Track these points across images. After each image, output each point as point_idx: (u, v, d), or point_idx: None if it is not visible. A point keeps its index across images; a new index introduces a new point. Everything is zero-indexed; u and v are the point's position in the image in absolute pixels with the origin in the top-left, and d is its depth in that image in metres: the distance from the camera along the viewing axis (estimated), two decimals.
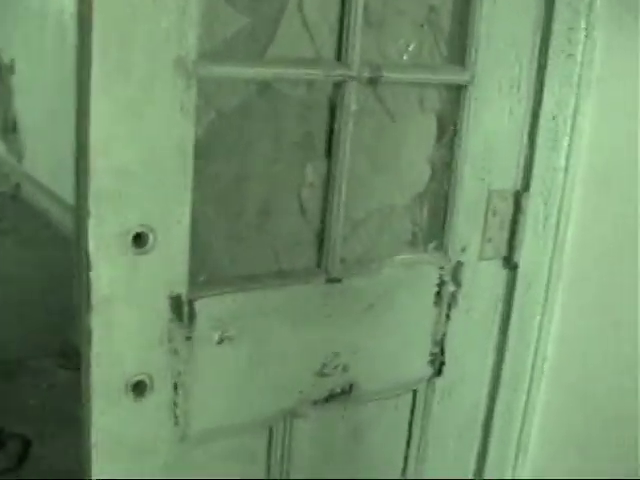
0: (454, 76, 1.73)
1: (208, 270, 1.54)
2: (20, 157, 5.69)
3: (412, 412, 1.93)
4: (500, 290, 1.95)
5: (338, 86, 1.57)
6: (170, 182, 1.41)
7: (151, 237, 1.41)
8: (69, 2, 4.90)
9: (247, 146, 1.55)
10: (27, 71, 5.57)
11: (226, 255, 1.58)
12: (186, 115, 1.39)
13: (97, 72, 1.32)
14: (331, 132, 1.60)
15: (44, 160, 5.35)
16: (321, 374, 1.70)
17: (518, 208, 1.88)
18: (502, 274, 1.94)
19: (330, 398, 1.73)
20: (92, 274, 1.39)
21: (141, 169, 1.37)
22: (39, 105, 5.36)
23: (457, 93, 1.74)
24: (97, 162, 1.34)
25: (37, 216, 5.22)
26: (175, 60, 1.36)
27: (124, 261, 1.40)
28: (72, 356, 3.67)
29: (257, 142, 1.56)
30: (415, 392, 1.91)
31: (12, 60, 5.72)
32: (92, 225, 1.36)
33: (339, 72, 1.55)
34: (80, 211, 1.38)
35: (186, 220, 1.45)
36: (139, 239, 1.41)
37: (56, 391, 3.45)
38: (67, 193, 4.98)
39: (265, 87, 1.52)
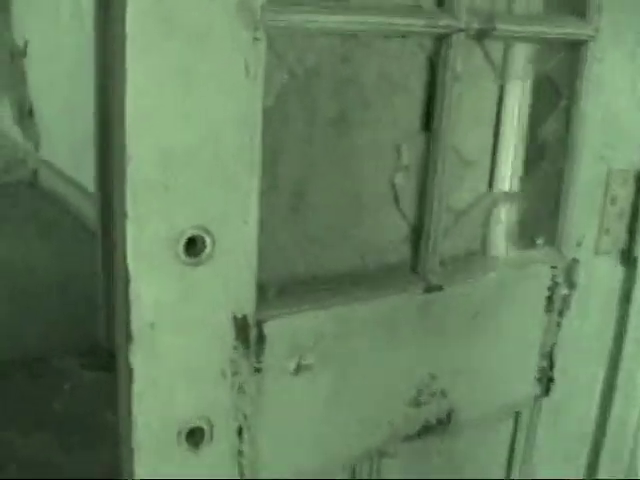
0: (574, 29, 1.33)
1: (280, 282, 1.15)
2: (37, 143, 5.30)
3: (514, 436, 1.54)
4: (616, 289, 1.56)
5: (441, 40, 1.18)
6: (233, 167, 1.02)
7: (208, 242, 1.03)
8: None
9: (325, 120, 1.16)
10: (42, 53, 5.16)
11: (301, 261, 1.19)
12: (253, 78, 1.00)
13: (133, 22, 0.92)
14: (430, 99, 1.20)
15: (62, 145, 4.96)
16: (415, 403, 1.31)
17: None
18: (619, 271, 1.54)
19: (424, 431, 1.35)
20: (132, 293, 1.00)
21: (194, 152, 0.98)
22: (55, 88, 4.96)
23: (575, 51, 1.34)
24: (135, 145, 0.95)
25: (55, 203, 4.85)
26: (238, 4, 0.97)
27: (174, 274, 1.02)
28: (96, 356, 3.30)
29: (337, 114, 1.17)
30: (518, 414, 1.52)
31: (26, 42, 5.32)
32: (131, 229, 0.97)
33: (443, 22, 1.16)
34: (115, 210, 0.99)
35: (254, 218, 1.06)
36: (193, 245, 1.02)
37: (79, 394, 3.09)
38: (86, 179, 4.61)
39: (349, 42, 1.13)
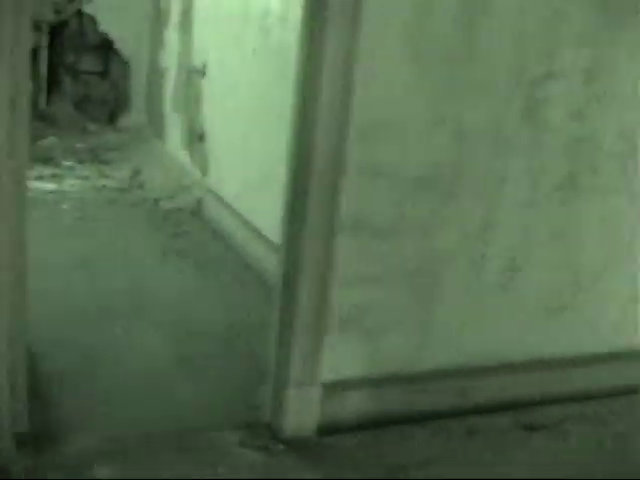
0: None
1: None
2: (204, 170, 4.77)
3: None
4: None
5: None
6: None
7: None
8: (276, 5, 3.95)
9: None
10: (220, 77, 4.64)
11: None
12: None
13: None
14: None
15: (230, 177, 4.40)
16: None
17: None
18: None
19: None
20: None
21: None
22: (231, 115, 4.41)
23: None
24: None
25: (219, 238, 4.29)
26: None
27: None
28: (257, 432, 2.67)
29: None
30: None
31: (204, 64, 4.82)
32: None
33: None
34: None
35: None
36: None
37: (234, 477, 2.48)
38: (256, 217, 4.05)
39: None
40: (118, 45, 6.24)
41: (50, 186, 5.08)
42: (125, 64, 6.26)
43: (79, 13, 6.31)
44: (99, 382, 2.89)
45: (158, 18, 5.97)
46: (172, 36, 5.59)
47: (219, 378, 2.99)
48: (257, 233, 3.96)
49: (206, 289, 3.77)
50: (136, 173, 5.41)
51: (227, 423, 2.71)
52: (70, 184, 5.22)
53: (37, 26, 5.83)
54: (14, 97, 2.19)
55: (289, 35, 3.66)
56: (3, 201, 2.24)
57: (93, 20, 6.30)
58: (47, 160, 5.44)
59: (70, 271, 3.78)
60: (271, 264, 3.65)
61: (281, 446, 2.62)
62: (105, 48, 6.32)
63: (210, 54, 4.82)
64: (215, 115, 4.71)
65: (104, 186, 5.22)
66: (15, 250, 2.31)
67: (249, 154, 4.16)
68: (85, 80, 6.35)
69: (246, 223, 4.13)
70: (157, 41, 5.99)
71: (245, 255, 4.07)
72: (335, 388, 2.68)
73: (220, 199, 4.50)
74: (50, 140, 5.82)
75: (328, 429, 2.70)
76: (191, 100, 5.03)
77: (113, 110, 6.29)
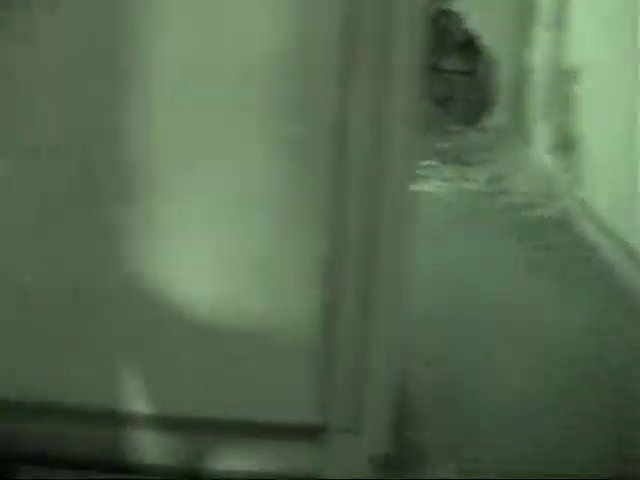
0: None
1: None
2: (576, 179, 4.46)
3: None
4: None
5: None
6: None
7: None
8: None
9: None
10: (596, 79, 4.32)
11: None
12: None
13: None
14: None
15: (606, 188, 4.06)
16: None
17: None
18: None
19: None
20: None
21: None
22: (607, 121, 4.08)
23: None
24: None
25: (590, 255, 3.98)
26: None
27: None
28: None
29: None
30: None
31: (577, 65, 4.52)
32: None
33: None
34: None
35: None
36: None
37: None
38: (635, 236, 3.70)
39: None
40: (483, 43, 6.10)
41: (415, 187, 5.08)
42: (490, 63, 6.11)
43: (443, 11, 6.25)
44: (455, 406, 2.77)
45: (527, 14, 5.74)
46: (543, 33, 5.34)
47: (583, 416, 2.72)
48: (634, 255, 3.63)
49: (574, 312, 3.49)
50: (499, 177, 5.26)
51: (596, 472, 2.44)
52: (436, 185, 5.18)
53: None
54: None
55: None
56: (389, 207, 2.17)
57: (458, 17, 6.20)
58: None
59: (431, 279, 3.70)
60: None
61: None
62: (470, 46, 6.21)
63: (586, 54, 4.51)
64: (589, 120, 4.40)
65: (466, 190, 5.13)
66: (396, 261, 2.23)
67: (629, 163, 3.81)
68: (449, 79, 6.29)
69: (621, 242, 3.80)
70: (525, 38, 5.77)
71: (620, 278, 3.73)
72: None
73: (592, 211, 4.20)
74: None
75: None
76: (562, 103, 4.76)
77: (477, 110, 6.17)
